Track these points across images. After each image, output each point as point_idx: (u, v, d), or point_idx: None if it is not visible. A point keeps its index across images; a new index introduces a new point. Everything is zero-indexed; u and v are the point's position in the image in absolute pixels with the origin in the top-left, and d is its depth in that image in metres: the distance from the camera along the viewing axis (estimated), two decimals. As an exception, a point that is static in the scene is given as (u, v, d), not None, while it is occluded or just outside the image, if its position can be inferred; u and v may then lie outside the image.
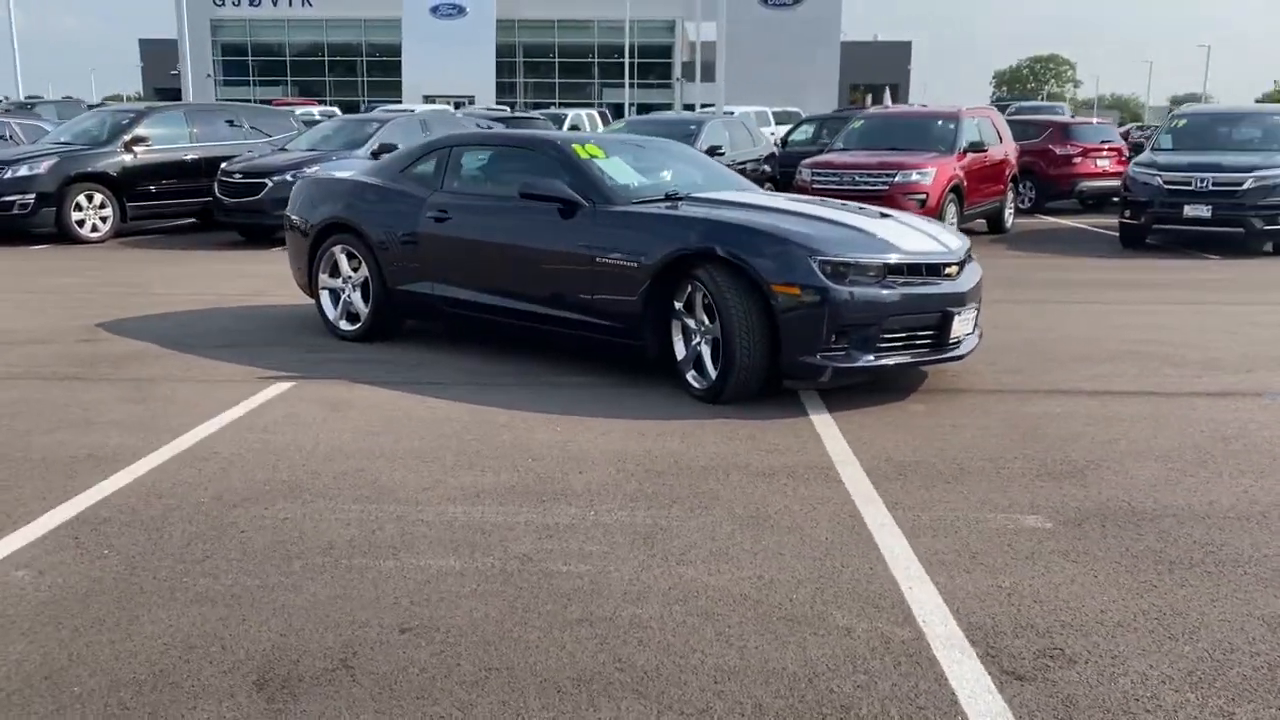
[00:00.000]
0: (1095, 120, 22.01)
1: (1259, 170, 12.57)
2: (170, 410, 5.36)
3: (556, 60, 70.09)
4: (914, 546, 3.64)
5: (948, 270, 5.53)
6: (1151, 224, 12.94)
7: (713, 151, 13.40)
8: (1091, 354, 6.67)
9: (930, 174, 12.96)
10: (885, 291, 5.23)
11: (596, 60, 69.78)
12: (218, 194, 13.23)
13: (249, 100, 39.87)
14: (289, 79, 68.34)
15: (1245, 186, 12.48)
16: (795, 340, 5.16)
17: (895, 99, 73.07)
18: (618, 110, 51.42)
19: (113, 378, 6.06)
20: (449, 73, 62.62)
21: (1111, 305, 8.64)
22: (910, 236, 5.64)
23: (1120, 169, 19.21)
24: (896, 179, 12.78)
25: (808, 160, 13.89)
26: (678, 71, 68.62)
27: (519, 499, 4.10)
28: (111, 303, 8.56)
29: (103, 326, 7.56)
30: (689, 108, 59.09)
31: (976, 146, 13.98)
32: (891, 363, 5.34)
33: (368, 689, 2.73)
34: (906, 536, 3.73)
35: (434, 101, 52.85)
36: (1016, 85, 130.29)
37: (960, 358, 5.64)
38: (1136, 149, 20.50)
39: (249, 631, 3.04)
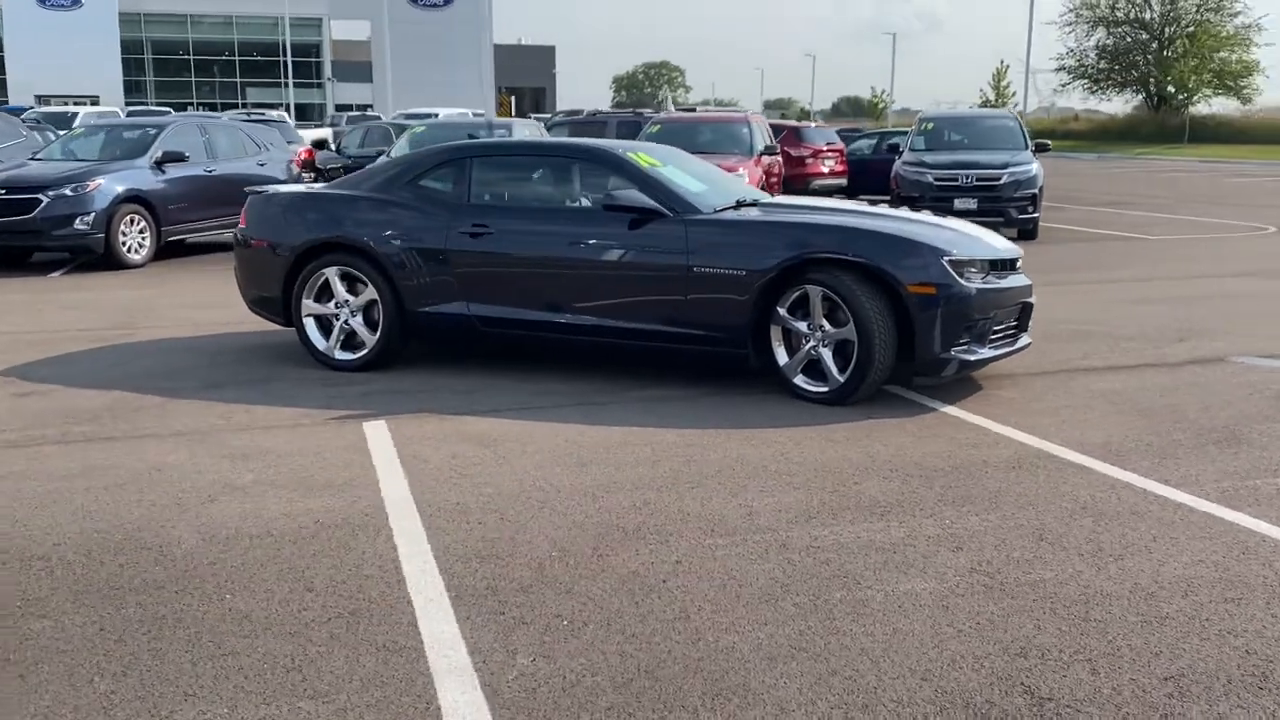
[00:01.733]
0: (814, 124, 24.03)
1: (1011, 166, 14.45)
2: (305, 464, 4.66)
3: (191, 57, 64.90)
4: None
5: (1018, 265, 6.03)
6: (925, 218, 14.45)
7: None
8: (1054, 334, 7.48)
9: (744, 177, 13.66)
10: (991, 287, 5.62)
11: (238, 58, 65.39)
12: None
13: None
14: None
15: (1002, 181, 14.30)
16: (930, 337, 5.41)
17: (542, 104, 74.77)
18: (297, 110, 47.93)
19: (158, 433, 5.13)
20: (66, 70, 56.25)
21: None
22: (980, 235, 6.07)
23: (843, 169, 21.23)
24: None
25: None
26: (328, 71, 65.99)
27: (856, 514, 4.02)
28: (-24, 347, 7.12)
29: (13, 374, 6.31)
30: (344, 108, 57.04)
31: (770, 150, 14.89)
32: (998, 354, 5.74)
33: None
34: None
35: (49, 103, 47.22)
36: (634, 90, 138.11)
37: (1027, 347, 6.15)
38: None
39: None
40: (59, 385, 6.08)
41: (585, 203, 6.36)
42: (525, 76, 79.68)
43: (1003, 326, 5.78)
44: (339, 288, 6.42)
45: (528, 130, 16.93)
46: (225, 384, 6.15)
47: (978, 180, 14.36)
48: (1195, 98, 49.58)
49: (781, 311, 5.65)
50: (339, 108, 59.11)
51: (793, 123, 24.63)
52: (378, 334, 6.37)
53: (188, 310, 8.69)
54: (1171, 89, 51.57)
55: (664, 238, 5.81)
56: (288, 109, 48.08)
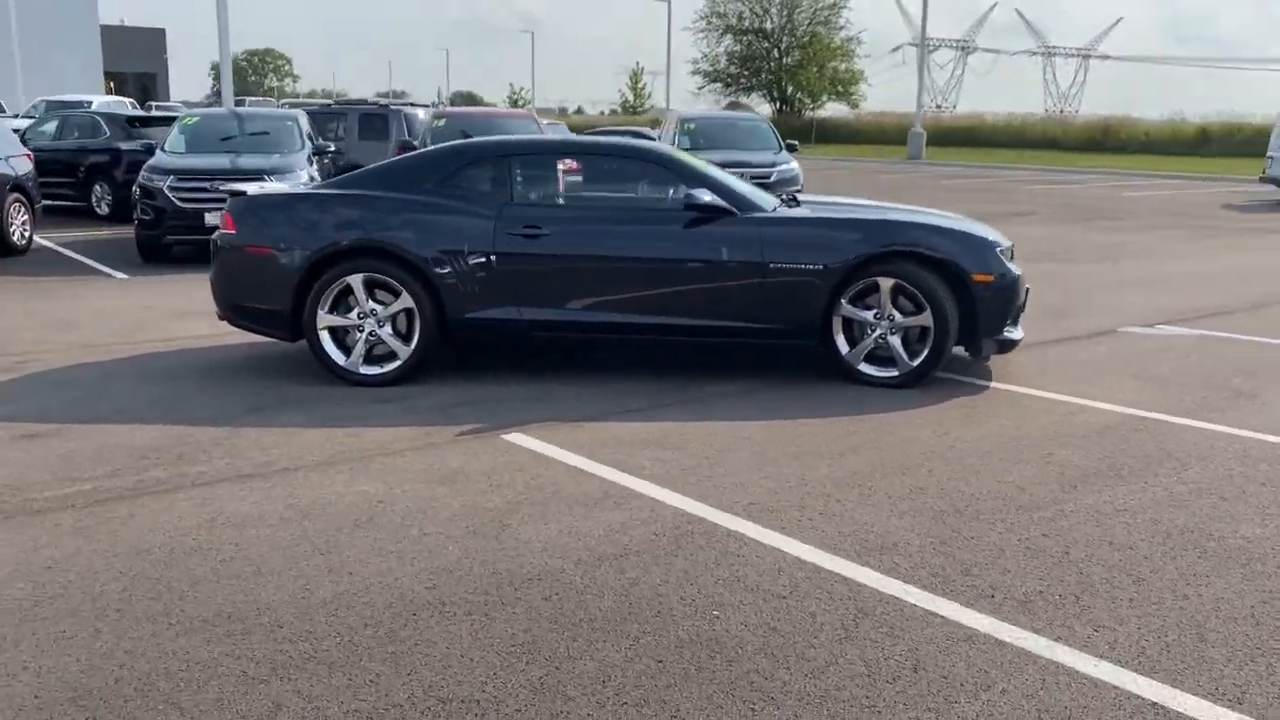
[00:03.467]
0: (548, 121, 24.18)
1: (778, 165, 15.65)
2: (515, 480, 4.34)
3: None
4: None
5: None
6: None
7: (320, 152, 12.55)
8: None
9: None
10: (1020, 273, 6.31)
11: None
12: None
13: None
14: None
15: (772, 179, 15.43)
16: (988, 321, 5.99)
17: (154, 91, 68.57)
18: None
19: (295, 465, 4.52)
20: None
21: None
22: (985, 227, 6.74)
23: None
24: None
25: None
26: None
27: (1092, 481, 4.45)
28: None
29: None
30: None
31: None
32: (1023, 334, 6.43)
33: None
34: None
35: None
36: (238, 77, 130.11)
37: (1017, 328, 6.92)
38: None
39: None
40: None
41: (643, 202, 6.32)
42: (131, 61, 72.51)
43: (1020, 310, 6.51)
44: (363, 296, 5.91)
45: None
46: (268, 407, 5.48)
47: (751, 179, 15.37)
48: (818, 102, 55.46)
49: (844, 303, 5.99)
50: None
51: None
52: (413, 344, 5.94)
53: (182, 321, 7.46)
54: (798, 93, 57.20)
55: (738, 236, 5.94)
56: None
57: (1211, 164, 35.38)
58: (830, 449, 4.88)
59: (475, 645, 3.00)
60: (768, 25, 57.07)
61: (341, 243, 5.88)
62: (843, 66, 56.61)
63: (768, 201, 6.21)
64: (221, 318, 6.33)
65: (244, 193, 6.21)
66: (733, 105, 53.84)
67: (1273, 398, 5.94)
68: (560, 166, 6.39)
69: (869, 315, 6.01)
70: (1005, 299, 6.04)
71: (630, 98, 66.09)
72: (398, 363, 5.97)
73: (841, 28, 56.34)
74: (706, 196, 5.93)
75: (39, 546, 3.66)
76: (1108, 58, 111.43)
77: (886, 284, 5.93)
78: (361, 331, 5.95)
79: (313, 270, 5.89)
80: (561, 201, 6.28)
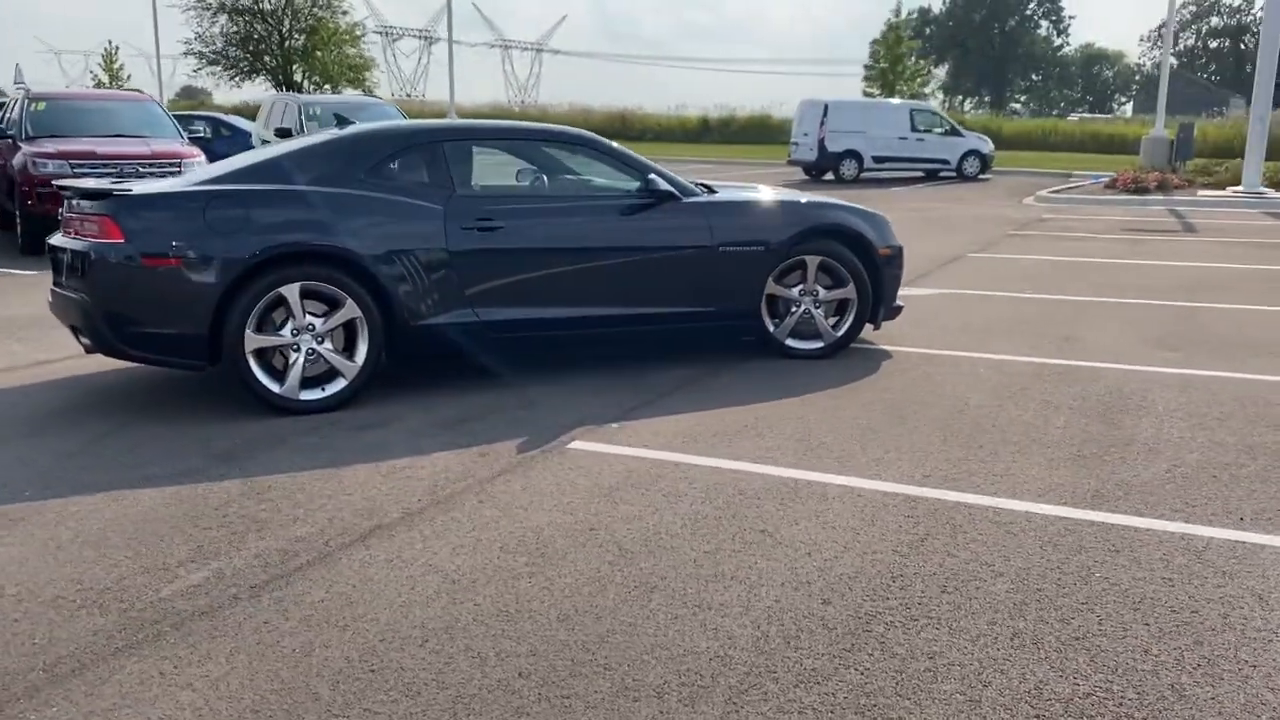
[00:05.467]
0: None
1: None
2: (675, 505, 4.00)
3: None
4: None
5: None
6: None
7: None
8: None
9: (198, 161, 12.10)
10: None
11: None
12: None
13: None
14: None
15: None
16: (890, 290, 6.51)
17: None
18: None
19: (466, 491, 3.75)
20: None
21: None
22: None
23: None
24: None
25: (49, 151, 11.25)
26: None
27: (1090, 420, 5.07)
28: None
29: None
30: None
31: (195, 133, 13.25)
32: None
33: None
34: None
35: None
36: None
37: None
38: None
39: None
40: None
41: (596, 190, 5.96)
42: None
43: (894, 279, 7.12)
44: (299, 310, 5.01)
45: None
46: (241, 454, 4.46)
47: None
48: (337, 88, 53.26)
49: (772, 281, 6.20)
50: None
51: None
52: (360, 360, 5.16)
53: None
54: (311, 78, 54.52)
55: (689, 222, 5.88)
56: None
57: (738, 150, 40.07)
58: (886, 410, 5.09)
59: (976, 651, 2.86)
60: (267, 6, 53.80)
61: (277, 247, 4.92)
62: (353, 51, 55.11)
63: (696, 187, 6.21)
64: (98, 350, 4.99)
65: (131, 193, 4.92)
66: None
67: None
68: (493, 154, 5.85)
69: (794, 292, 6.28)
70: (899, 269, 6.62)
71: (105, 79, 58.89)
72: (343, 383, 5.14)
73: (346, 12, 54.79)
74: (664, 183, 5.81)
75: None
76: (559, 52, 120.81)
77: (814, 261, 6.23)
78: (298, 351, 5.03)
79: (237, 282, 4.87)
80: (512, 192, 5.76)
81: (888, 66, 46.55)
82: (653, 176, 5.83)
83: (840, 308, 6.36)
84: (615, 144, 6.04)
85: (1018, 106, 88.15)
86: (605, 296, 5.73)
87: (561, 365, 5.99)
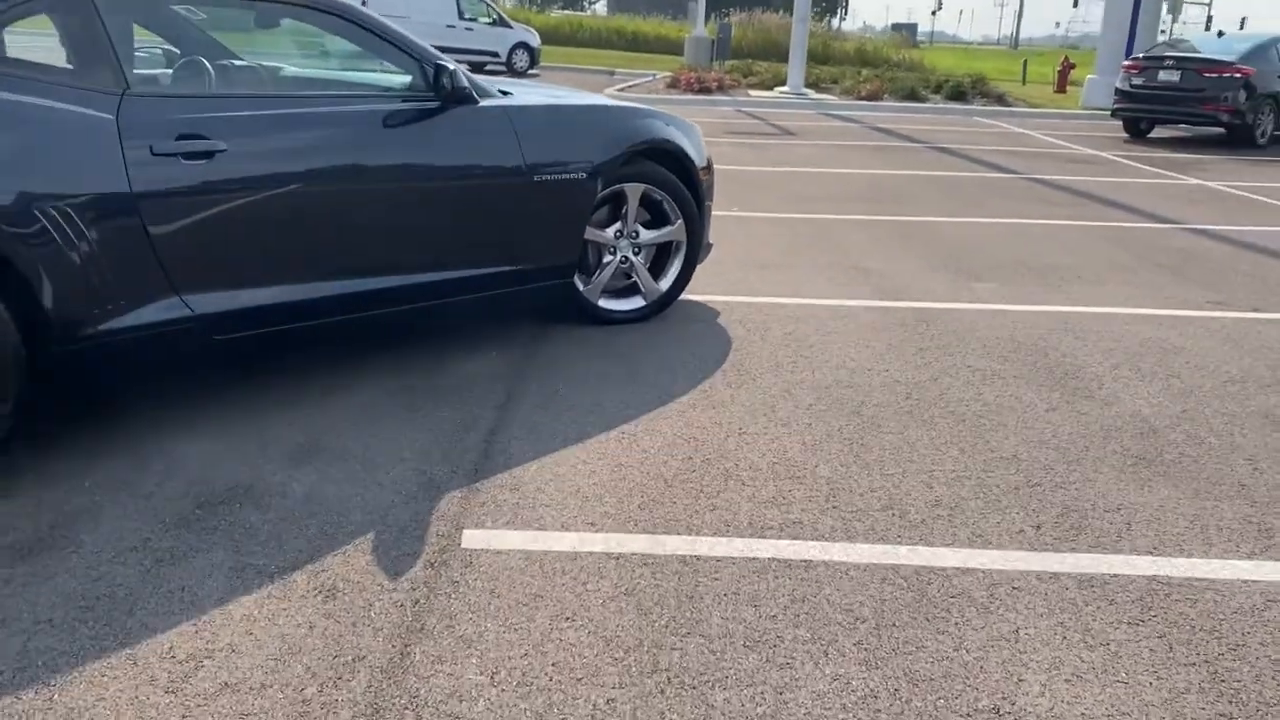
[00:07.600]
0: None
1: None
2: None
3: None
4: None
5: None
6: None
7: None
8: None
9: None
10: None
11: None
12: None
13: None
14: None
15: None
16: (708, 221, 4.97)
17: None
18: None
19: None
20: None
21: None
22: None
23: None
24: None
25: None
26: None
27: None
28: None
29: None
30: None
31: None
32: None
33: None
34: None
35: None
36: None
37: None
38: None
39: None
40: None
41: (359, 86, 3.62)
42: None
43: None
44: None
45: None
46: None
47: None
48: None
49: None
50: None
51: None
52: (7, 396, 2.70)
53: None
54: None
55: (490, 136, 3.86)
56: None
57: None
58: (812, 409, 3.64)
59: None
60: None
61: None
62: None
63: (491, 84, 4.15)
64: None
65: None
66: None
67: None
68: (192, 24, 3.33)
69: (608, 234, 4.54)
70: (710, 193, 5.07)
71: None
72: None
73: None
74: (460, 78, 3.71)
75: None
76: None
77: (635, 192, 4.51)
78: None
79: None
80: (231, 89, 3.31)
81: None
82: (442, 64, 3.73)
83: (660, 253, 4.74)
84: (378, 15, 3.79)
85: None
86: (391, 259, 3.61)
87: (253, 393, 3.76)
